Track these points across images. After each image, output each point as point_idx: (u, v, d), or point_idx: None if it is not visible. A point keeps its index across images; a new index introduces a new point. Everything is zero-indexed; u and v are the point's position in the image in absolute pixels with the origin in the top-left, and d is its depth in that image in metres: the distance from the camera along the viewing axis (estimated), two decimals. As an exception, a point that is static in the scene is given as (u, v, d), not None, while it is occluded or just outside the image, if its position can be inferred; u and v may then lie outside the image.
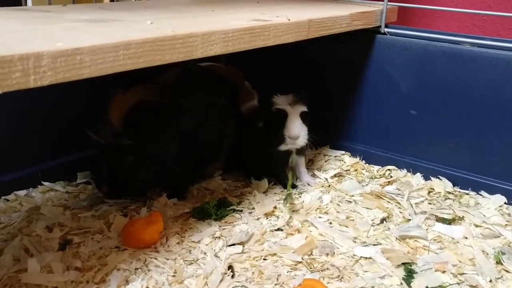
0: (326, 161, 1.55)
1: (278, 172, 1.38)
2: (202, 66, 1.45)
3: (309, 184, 1.40)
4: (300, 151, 1.36)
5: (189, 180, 1.36)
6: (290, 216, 1.21)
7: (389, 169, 1.50)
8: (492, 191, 1.34)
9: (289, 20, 1.04)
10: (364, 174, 1.48)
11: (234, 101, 1.44)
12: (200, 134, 1.29)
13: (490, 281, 1.00)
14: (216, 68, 1.55)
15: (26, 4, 1.35)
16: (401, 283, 0.98)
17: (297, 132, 1.27)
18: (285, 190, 1.35)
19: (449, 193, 1.36)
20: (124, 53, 0.70)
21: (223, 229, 1.16)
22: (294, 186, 1.37)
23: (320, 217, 1.22)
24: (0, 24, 0.81)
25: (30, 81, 0.59)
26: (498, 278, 1.01)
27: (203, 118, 1.30)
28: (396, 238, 1.14)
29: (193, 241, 1.10)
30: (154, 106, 1.18)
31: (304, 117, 1.30)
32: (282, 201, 1.28)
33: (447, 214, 1.24)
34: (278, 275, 0.99)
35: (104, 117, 1.15)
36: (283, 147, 1.30)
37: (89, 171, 1.33)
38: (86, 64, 0.65)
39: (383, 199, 1.32)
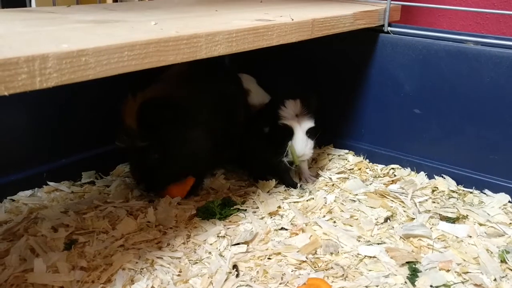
0: (330, 160, 1.55)
1: (281, 174, 1.38)
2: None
3: (307, 181, 1.40)
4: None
5: (210, 167, 1.40)
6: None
7: (393, 168, 1.50)
8: (496, 189, 1.34)
9: (292, 19, 1.04)
10: (368, 173, 1.49)
11: (242, 90, 1.45)
12: (216, 122, 1.30)
13: (495, 279, 1.00)
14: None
15: (30, 5, 1.36)
16: (405, 282, 0.98)
17: (302, 151, 1.28)
18: (289, 189, 1.36)
19: (453, 191, 1.36)
20: (129, 54, 0.71)
21: (228, 228, 1.16)
22: (296, 186, 1.37)
23: (324, 216, 1.23)
24: (5, 25, 0.81)
25: (36, 83, 0.60)
26: (503, 277, 1.01)
27: (218, 106, 1.31)
28: (400, 237, 1.14)
29: (198, 241, 1.11)
30: (162, 101, 1.19)
31: (311, 132, 1.29)
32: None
33: (451, 212, 1.24)
34: (282, 274, 0.99)
35: (121, 124, 1.20)
36: (286, 159, 1.30)
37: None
38: (91, 66, 0.65)
39: (387, 198, 1.32)
